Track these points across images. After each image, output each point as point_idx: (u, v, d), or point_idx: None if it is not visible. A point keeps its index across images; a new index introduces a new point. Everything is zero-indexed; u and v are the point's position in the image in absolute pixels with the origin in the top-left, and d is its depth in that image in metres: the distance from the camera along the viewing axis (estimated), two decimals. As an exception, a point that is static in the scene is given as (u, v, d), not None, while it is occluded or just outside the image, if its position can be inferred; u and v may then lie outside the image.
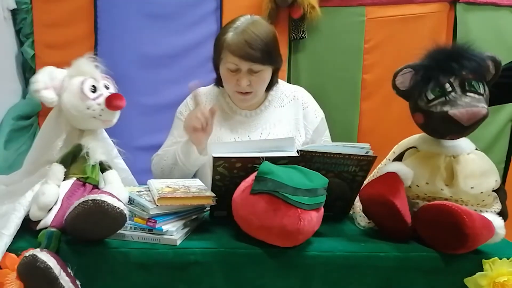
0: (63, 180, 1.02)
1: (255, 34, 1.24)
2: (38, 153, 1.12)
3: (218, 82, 1.39)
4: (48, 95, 1.04)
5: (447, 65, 0.99)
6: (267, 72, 1.30)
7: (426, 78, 1.00)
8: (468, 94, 0.97)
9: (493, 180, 1.04)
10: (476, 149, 1.08)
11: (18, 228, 0.93)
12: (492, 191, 1.05)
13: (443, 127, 1.01)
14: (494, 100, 1.04)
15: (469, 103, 0.96)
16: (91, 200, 0.88)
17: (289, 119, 1.39)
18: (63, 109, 1.08)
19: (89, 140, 1.07)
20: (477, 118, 0.96)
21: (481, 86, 0.98)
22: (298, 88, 1.47)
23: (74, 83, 1.06)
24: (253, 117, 1.39)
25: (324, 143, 1.43)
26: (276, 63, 1.32)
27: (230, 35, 1.26)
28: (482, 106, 0.96)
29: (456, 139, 1.05)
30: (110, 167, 1.08)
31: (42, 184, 1.00)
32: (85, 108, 1.05)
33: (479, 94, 0.98)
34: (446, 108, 0.97)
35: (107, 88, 1.10)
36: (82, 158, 1.05)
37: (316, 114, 1.43)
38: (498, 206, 1.06)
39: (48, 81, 1.05)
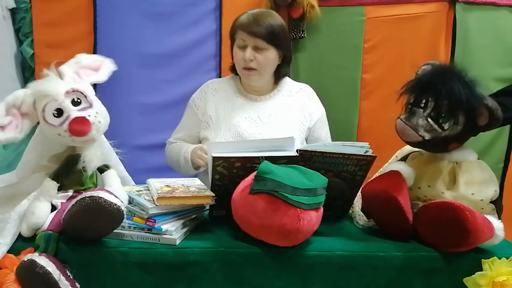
0: (61, 192, 1.00)
1: (264, 16, 1.39)
2: (31, 161, 1.08)
3: (234, 68, 1.49)
4: (3, 137, 0.95)
5: (437, 85, 1.01)
6: (272, 53, 1.40)
7: (419, 85, 1.05)
8: (429, 120, 1.01)
9: (493, 189, 1.06)
10: (478, 158, 1.10)
11: (16, 237, 0.93)
12: (490, 202, 1.06)
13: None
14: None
15: (416, 125, 1.01)
16: (88, 197, 0.88)
17: (296, 106, 1.49)
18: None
19: (85, 150, 1.01)
20: (407, 138, 1.03)
21: (450, 122, 1.00)
22: (303, 84, 1.58)
23: (38, 111, 0.97)
24: (263, 101, 1.48)
25: (325, 136, 1.52)
26: (282, 48, 1.42)
27: (242, 17, 1.42)
28: (420, 134, 1.01)
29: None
30: (108, 167, 1.07)
31: (33, 199, 0.98)
32: (57, 134, 0.97)
33: (440, 127, 1.01)
34: (402, 116, 1.04)
35: (77, 103, 0.98)
36: (78, 171, 1.01)
37: (319, 107, 1.53)
38: (495, 217, 1.06)
39: (3, 119, 0.95)
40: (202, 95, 1.50)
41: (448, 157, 1.07)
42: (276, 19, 1.42)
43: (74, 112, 0.97)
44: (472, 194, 1.03)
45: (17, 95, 0.99)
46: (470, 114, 1.00)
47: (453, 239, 0.94)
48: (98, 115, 1.00)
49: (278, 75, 1.48)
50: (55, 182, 0.99)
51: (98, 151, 1.05)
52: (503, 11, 1.83)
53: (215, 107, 1.46)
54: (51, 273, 0.83)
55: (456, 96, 0.98)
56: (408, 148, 1.17)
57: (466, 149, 1.09)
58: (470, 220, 0.91)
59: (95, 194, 0.88)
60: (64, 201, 0.99)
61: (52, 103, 0.96)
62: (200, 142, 1.48)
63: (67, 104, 0.97)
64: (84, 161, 1.01)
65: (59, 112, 0.97)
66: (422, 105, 1.02)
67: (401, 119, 1.04)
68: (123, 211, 0.91)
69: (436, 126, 1.01)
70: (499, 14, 1.83)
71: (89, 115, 0.98)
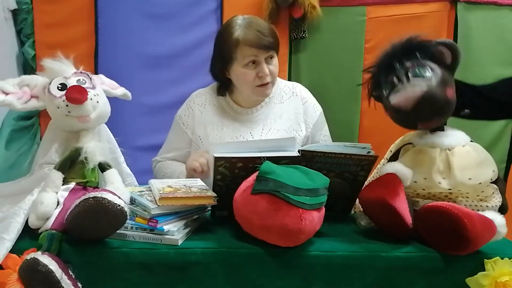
0: (63, 185, 1.01)
1: (261, 24, 1.32)
2: (39, 158, 1.12)
3: (223, 89, 1.40)
4: (1, 98, 1.04)
5: (389, 63, 1.05)
6: (277, 59, 1.35)
7: (377, 80, 1.07)
8: (413, 80, 1.00)
9: (490, 170, 1.04)
10: (471, 141, 1.08)
11: (20, 233, 0.93)
12: (491, 182, 1.05)
13: (397, 118, 1.06)
14: (505, 115, 1.09)
15: (407, 88, 0.99)
16: (92, 197, 0.88)
17: (289, 114, 1.41)
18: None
19: (87, 142, 1.05)
20: (413, 99, 0.98)
21: (427, 70, 1.01)
22: (296, 84, 1.50)
23: (46, 86, 1.07)
24: (254, 114, 1.40)
25: (323, 137, 1.45)
26: (278, 50, 1.37)
27: (239, 32, 1.29)
28: (419, 87, 0.98)
29: (428, 127, 1.06)
30: (109, 166, 1.07)
31: (40, 191, 0.99)
32: (56, 107, 1.05)
33: (425, 77, 1.00)
34: (391, 99, 1.01)
35: (82, 83, 1.07)
36: (81, 163, 1.04)
37: (315, 108, 1.45)
38: (498, 198, 1.06)
39: (10, 86, 1.05)
40: (189, 112, 1.42)
41: (440, 145, 1.05)
42: (265, 21, 1.38)
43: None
44: (470, 179, 1.01)
45: (34, 77, 1.09)
46: (435, 59, 1.03)
47: (452, 245, 0.94)
48: (97, 96, 1.08)
49: None
50: (61, 173, 1.01)
51: (100, 145, 1.07)
52: (504, 11, 1.83)
53: (204, 126, 1.38)
54: (53, 272, 0.84)
55: (410, 51, 1.03)
56: (399, 141, 1.15)
57: (456, 133, 1.07)
58: (469, 228, 0.90)
59: (99, 195, 0.88)
60: (66, 193, 1.00)
61: (59, 78, 1.06)
62: None
63: (72, 81, 1.06)
64: (86, 152, 1.03)
65: (63, 87, 1.05)
66: (397, 81, 1.03)
67: (394, 99, 1.00)
68: (126, 212, 0.91)
69: (421, 79, 1.00)
70: (500, 14, 1.83)
71: (88, 91, 1.05)
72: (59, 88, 1.05)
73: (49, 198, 0.96)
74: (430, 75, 1.00)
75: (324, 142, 1.44)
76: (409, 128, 1.09)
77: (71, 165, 1.04)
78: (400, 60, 1.04)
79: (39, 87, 1.08)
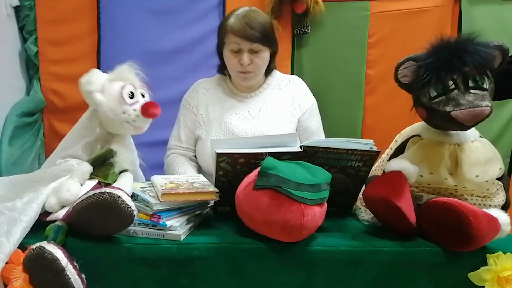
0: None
1: (254, 18, 1.39)
2: (64, 149, 1.14)
3: (222, 68, 1.50)
4: (100, 98, 1.09)
5: (449, 61, 0.96)
6: (265, 53, 1.41)
7: (428, 75, 0.98)
8: (472, 91, 0.95)
9: (497, 167, 1.03)
10: (480, 136, 1.07)
11: (38, 214, 0.94)
12: (496, 178, 1.04)
13: (445, 125, 1.01)
14: (504, 93, 1.02)
15: (472, 102, 0.94)
16: (108, 192, 0.90)
17: (286, 98, 1.50)
18: (98, 111, 1.11)
19: (121, 148, 1.11)
20: (480, 118, 0.95)
21: (486, 80, 0.96)
22: (293, 76, 1.59)
23: (114, 87, 1.10)
24: (253, 97, 1.49)
25: (315, 126, 1.51)
26: (273, 46, 1.44)
27: (232, 20, 1.39)
28: (485, 105, 0.94)
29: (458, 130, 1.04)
30: (126, 170, 1.11)
31: (68, 178, 1.01)
32: (121, 112, 1.09)
33: (483, 89, 0.96)
34: (448, 108, 0.95)
35: (143, 96, 1.14)
36: (110, 164, 1.08)
37: (309, 97, 1.53)
38: (502, 195, 1.05)
39: (99, 84, 1.10)
40: (193, 94, 1.52)
41: (448, 140, 1.04)
42: (264, 16, 1.43)
43: (142, 100, 1.13)
44: (477, 176, 1.00)
45: (98, 72, 1.15)
46: (487, 62, 0.96)
47: (456, 241, 0.93)
48: None
49: (267, 70, 1.48)
50: (92, 167, 1.04)
51: (131, 155, 1.15)
52: (509, 5, 1.82)
53: (205, 106, 1.48)
54: (58, 259, 0.85)
55: (478, 53, 0.95)
56: (407, 132, 1.14)
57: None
58: (474, 226, 0.89)
59: (115, 192, 0.90)
60: (87, 189, 1.01)
61: (129, 86, 1.12)
62: (196, 141, 1.50)
63: (139, 92, 1.14)
64: (118, 156, 1.09)
65: (132, 96, 1.11)
66: (453, 86, 0.96)
67: (457, 112, 0.94)
68: (134, 216, 0.91)
69: (481, 91, 0.95)
70: (505, 8, 1.82)
71: None
72: (130, 96, 1.10)
73: (76, 187, 0.99)
74: (487, 87, 0.96)
75: (316, 129, 1.51)
76: (437, 129, 1.06)
77: (102, 163, 1.07)
78: (461, 61, 0.95)
79: (100, 83, 1.12)
